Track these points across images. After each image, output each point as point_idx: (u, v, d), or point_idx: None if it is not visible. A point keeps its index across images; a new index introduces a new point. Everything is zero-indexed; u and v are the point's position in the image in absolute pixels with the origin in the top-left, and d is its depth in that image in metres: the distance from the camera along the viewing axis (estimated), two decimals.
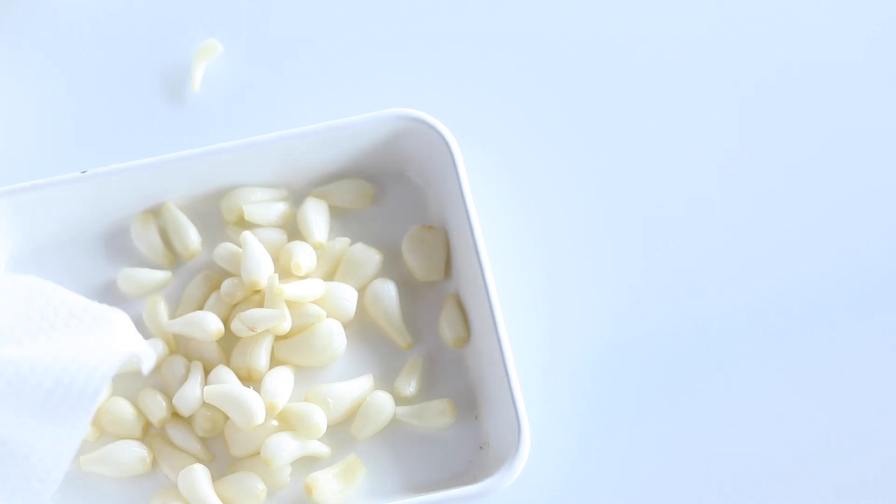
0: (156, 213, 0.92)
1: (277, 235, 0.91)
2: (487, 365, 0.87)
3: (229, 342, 0.89)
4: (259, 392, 0.86)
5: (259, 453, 0.87)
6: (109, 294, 0.90)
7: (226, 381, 0.87)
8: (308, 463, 0.87)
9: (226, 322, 0.89)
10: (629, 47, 0.97)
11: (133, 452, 0.87)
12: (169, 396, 0.88)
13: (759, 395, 0.89)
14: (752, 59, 0.96)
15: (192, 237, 0.91)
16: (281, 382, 0.86)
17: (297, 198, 0.93)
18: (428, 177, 0.92)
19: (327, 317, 0.88)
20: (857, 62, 0.96)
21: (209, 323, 0.87)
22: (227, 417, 0.87)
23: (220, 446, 0.88)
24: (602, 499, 0.88)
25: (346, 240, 0.91)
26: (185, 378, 0.88)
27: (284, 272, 0.89)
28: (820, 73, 0.96)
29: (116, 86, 0.96)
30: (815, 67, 0.96)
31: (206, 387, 0.86)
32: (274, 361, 0.88)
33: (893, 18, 0.97)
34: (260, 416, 0.85)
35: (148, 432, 0.89)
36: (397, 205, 0.93)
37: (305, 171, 0.92)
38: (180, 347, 0.90)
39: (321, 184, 0.93)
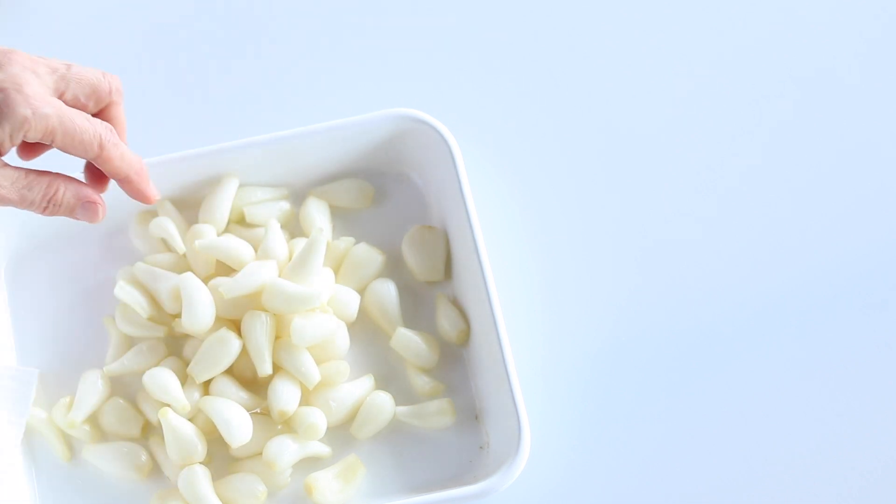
0: (155, 212, 0.92)
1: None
2: (487, 365, 0.87)
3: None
4: (266, 394, 0.86)
5: (259, 453, 0.87)
6: (108, 293, 0.90)
7: (224, 392, 0.87)
8: (308, 463, 0.87)
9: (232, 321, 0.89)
10: (628, 48, 0.97)
11: (133, 453, 0.87)
12: None
13: (758, 397, 0.89)
14: (753, 60, 0.96)
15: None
16: (288, 389, 0.86)
17: (297, 198, 0.93)
18: (428, 177, 0.92)
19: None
20: (852, 74, 0.96)
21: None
22: None
23: (220, 446, 0.88)
24: (602, 499, 0.88)
25: (351, 239, 0.91)
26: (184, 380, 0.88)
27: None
28: (820, 77, 0.96)
29: None
30: (814, 72, 0.96)
31: (201, 398, 0.86)
32: (276, 365, 0.88)
33: (891, 25, 0.97)
34: (241, 440, 0.85)
35: (148, 432, 0.89)
36: (397, 205, 0.93)
37: (305, 171, 0.92)
38: (181, 348, 0.90)
39: (321, 184, 0.93)
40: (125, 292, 0.88)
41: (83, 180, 0.84)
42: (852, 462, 0.88)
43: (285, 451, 0.86)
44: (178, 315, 0.89)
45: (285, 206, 0.92)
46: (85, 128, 0.79)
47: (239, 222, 0.92)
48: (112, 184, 0.89)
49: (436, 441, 0.88)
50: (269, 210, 0.92)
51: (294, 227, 0.92)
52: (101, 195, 0.83)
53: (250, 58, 0.97)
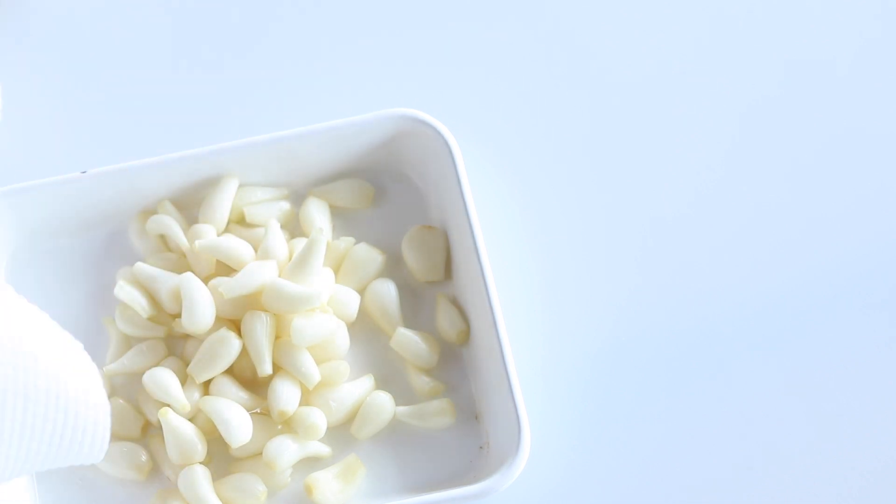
0: (155, 213, 0.92)
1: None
2: (487, 365, 0.87)
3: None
4: (266, 394, 0.86)
5: (259, 453, 0.87)
6: (109, 293, 0.90)
7: (224, 392, 0.87)
8: (308, 463, 0.87)
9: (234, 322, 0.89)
10: (629, 48, 0.97)
11: (133, 453, 0.87)
12: None
13: (758, 397, 0.89)
14: (752, 59, 0.96)
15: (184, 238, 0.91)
16: (288, 389, 0.86)
17: (297, 198, 0.93)
18: (428, 177, 0.92)
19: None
20: (856, 65, 0.96)
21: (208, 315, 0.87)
22: None
23: (220, 446, 0.88)
24: (602, 499, 0.88)
25: (351, 239, 0.91)
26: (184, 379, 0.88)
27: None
28: (818, 76, 0.96)
29: (117, 86, 0.96)
30: (813, 71, 0.96)
31: (201, 398, 0.86)
32: (276, 365, 0.88)
33: (890, 23, 0.97)
34: (241, 440, 0.85)
35: (148, 432, 0.89)
36: (397, 205, 0.93)
37: (305, 171, 0.92)
38: (181, 348, 0.90)
39: (321, 184, 0.93)
40: (125, 292, 0.88)
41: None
42: (852, 462, 0.88)
43: (285, 451, 0.86)
44: (178, 315, 0.89)
45: (285, 206, 0.92)
46: None
47: (239, 222, 0.92)
48: (111, 184, 0.89)
49: (436, 441, 0.88)
50: (269, 210, 0.92)
51: (294, 227, 0.92)
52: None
53: (250, 58, 0.97)
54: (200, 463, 0.86)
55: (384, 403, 0.87)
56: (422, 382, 0.88)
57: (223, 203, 0.91)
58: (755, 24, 0.97)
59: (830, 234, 0.92)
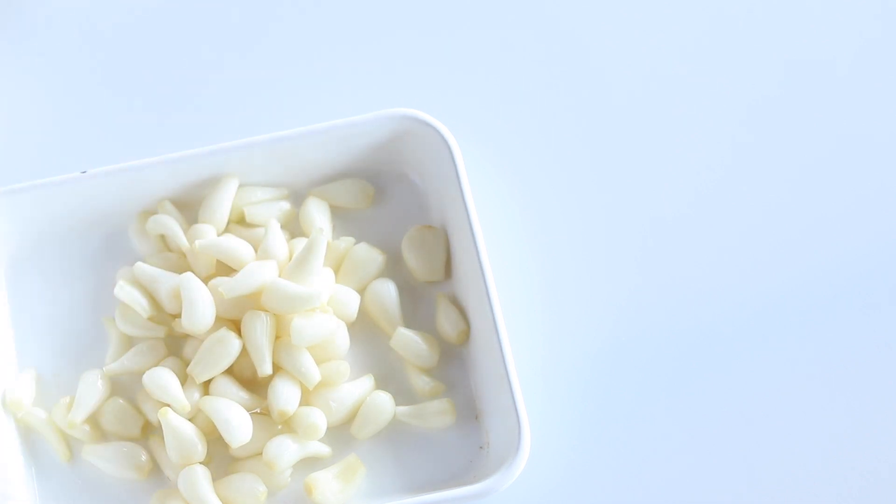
0: (155, 213, 0.92)
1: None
2: (487, 365, 0.87)
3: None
4: (266, 394, 0.86)
5: (259, 453, 0.87)
6: (109, 293, 0.90)
7: (224, 392, 0.87)
8: (308, 463, 0.87)
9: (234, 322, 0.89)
10: (629, 48, 0.97)
11: (132, 453, 0.87)
12: None
13: (758, 397, 0.89)
14: (752, 59, 0.96)
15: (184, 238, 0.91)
16: (288, 389, 0.86)
17: (297, 198, 0.93)
18: (428, 177, 0.92)
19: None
20: (856, 65, 0.96)
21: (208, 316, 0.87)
22: None
23: (220, 446, 0.88)
24: (602, 499, 0.88)
25: (351, 239, 0.91)
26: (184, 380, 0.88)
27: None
28: (818, 76, 0.96)
29: (117, 85, 0.96)
30: (813, 71, 0.96)
31: (201, 398, 0.86)
32: (276, 365, 0.88)
33: (890, 23, 0.97)
34: (241, 440, 0.85)
35: (148, 432, 0.89)
36: (397, 205, 0.93)
37: (305, 171, 0.92)
38: (181, 348, 0.90)
39: (321, 184, 0.93)
40: (125, 292, 0.88)
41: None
42: (852, 462, 0.88)
43: (285, 451, 0.86)
44: (178, 315, 0.89)
45: (285, 206, 0.92)
46: None
47: (239, 222, 0.92)
48: (111, 184, 0.89)
49: (436, 441, 0.88)
50: (269, 210, 0.92)
51: (294, 227, 0.92)
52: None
53: (250, 58, 0.97)
54: (200, 463, 0.86)
55: (384, 403, 0.87)
56: (422, 382, 0.88)
57: (223, 203, 0.91)
58: (755, 24, 0.97)
59: (830, 234, 0.92)
